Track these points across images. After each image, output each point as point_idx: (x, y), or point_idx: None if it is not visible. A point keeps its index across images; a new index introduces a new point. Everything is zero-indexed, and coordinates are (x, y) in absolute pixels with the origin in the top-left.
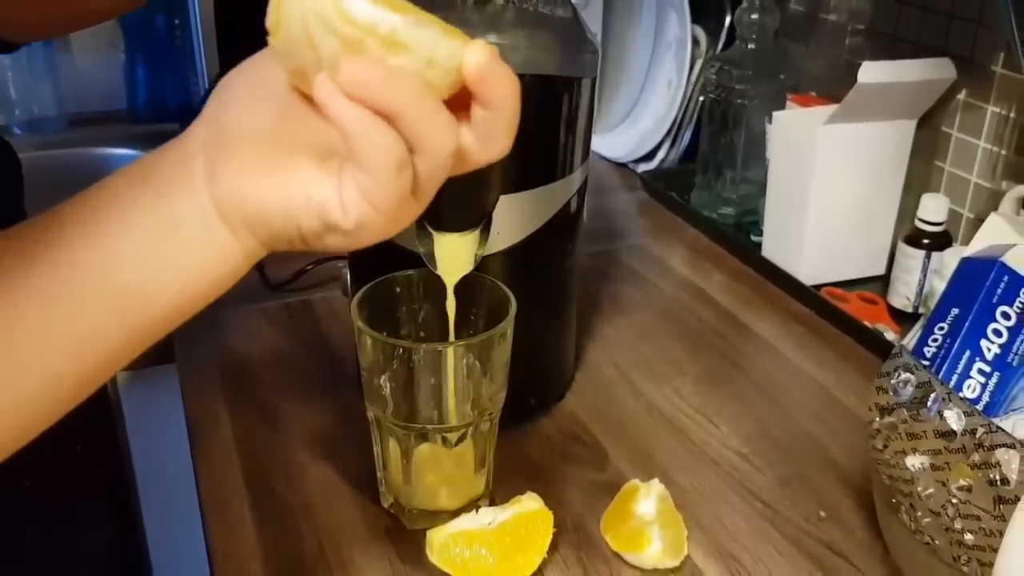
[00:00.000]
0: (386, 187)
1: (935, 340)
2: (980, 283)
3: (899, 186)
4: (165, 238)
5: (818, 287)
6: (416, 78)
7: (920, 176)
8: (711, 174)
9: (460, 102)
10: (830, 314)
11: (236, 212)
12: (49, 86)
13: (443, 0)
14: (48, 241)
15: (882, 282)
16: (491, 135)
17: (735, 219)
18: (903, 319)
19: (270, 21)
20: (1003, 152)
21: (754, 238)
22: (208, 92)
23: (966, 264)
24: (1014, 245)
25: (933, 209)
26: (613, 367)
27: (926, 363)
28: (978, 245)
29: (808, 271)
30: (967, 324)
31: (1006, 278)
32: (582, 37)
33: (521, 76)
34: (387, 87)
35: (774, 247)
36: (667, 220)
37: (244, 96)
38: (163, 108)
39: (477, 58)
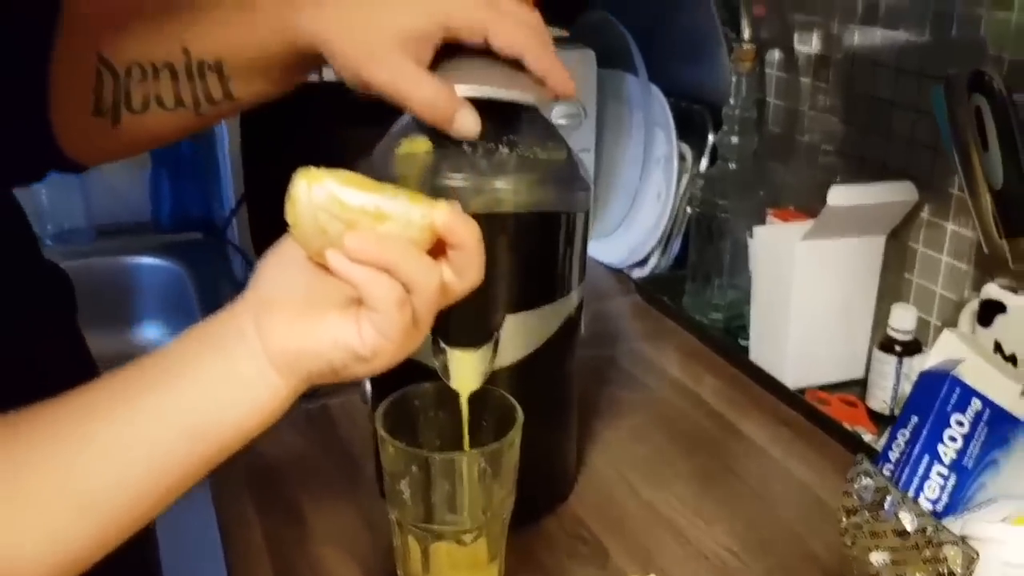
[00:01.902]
0: (393, 321)
1: (898, 445)
2: (935, 394)
3: (873, 296)
4: (226, 385)
5: (802, 390)
6: (400, 238)
7: (892, 287)
8: (700, 281)
9: (438, 249)
10: (814, 416)
11: (282, 358)
12: (79, 199)
13: (455, 150)
14: (128, 392)
15: (861, 385)
16: (464, 269)
17: (724, 323)
18: (881, 420)
19: (289, 219)
20: (963, 266)
21: (742, 342)
22: (235, 209)
23: (923, 377)
24: (963, 360)
25: (902, 318)
26: (613, 469)
27: (891, 466)
28: (935, 359)
29: (792, 375)
30: (925, 431)
31: (958, 390)
32: (576, 177)
33: (523, 214)
34: (380, 249)
35: (760, 352)
36: (661, 324)
37: (278, 272)
38: (186, 219)
39: (442, 216)
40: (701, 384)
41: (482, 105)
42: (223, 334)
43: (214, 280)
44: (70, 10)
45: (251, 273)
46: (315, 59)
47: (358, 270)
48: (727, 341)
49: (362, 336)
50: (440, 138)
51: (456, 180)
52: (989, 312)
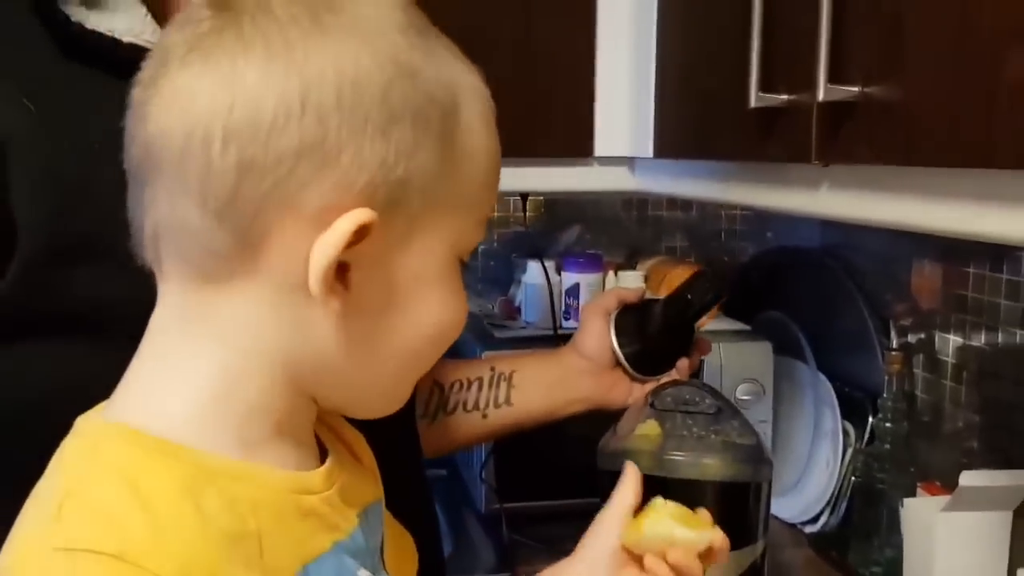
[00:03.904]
0: None
1: None
2: None
3: (1004, 561)
4: None
5: None
6: (695, 558)
7: (1020, 553)
8: (863, 540)
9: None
10: None
11: None
12: None
13: (678, 435)
14: None
15: None
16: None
17: None
18: None
19: (629, 538)
20: None
21: None
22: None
23: None
24: None
25: None
26: None
27: None
28: None
29: None
30: None
31: None
32: (762, 456)
33: (726, 482)
34: (687, 564)
35: None
36: (829, 573)
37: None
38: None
39: (720, 542)
40: None
41: None
42: None
43: (456, 507)
44: None
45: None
46: None
47: (663, 567)
48: None
49: None
50: (667, 424)
51: (678, 456)
52: None
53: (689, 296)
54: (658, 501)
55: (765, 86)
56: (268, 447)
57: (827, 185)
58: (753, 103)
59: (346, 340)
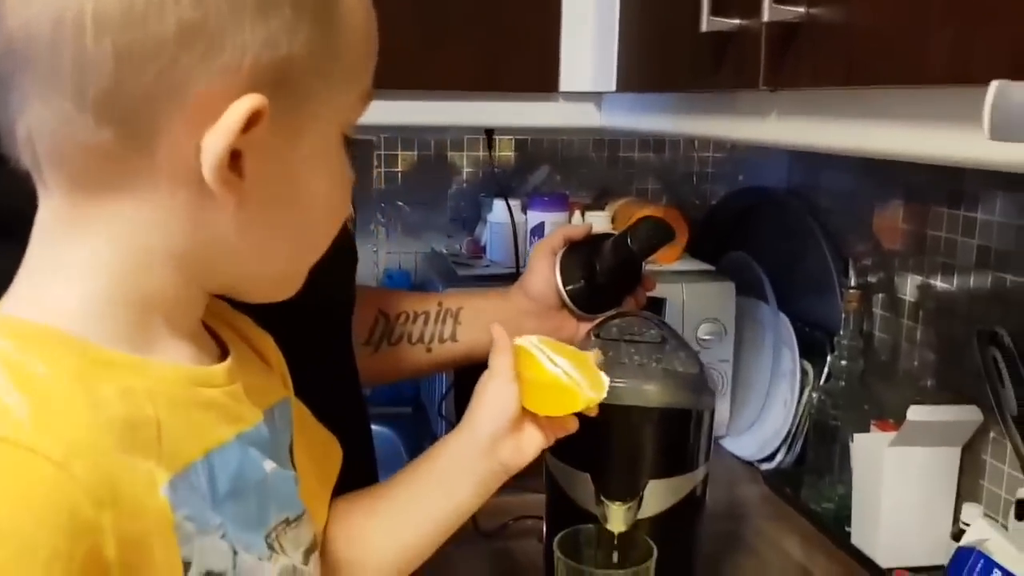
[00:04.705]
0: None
1: None
2: (964, 563)
3: (952, 496)
4: (480, 484)
5: (891, 570)
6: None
7: (968, 488)
8: (816, 476)
9: None
10: None
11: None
12: None
13: (615, 357)
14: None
15: (943, 571)
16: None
17: (834, 512)
18: None
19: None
20: (1020, 475)
21: (847, 528)
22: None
23: (958, 551)
24: (989, 539)
25: (970, 515)
26: None
27: None
28: (967, 539)
29: (884, 557)
30: None
31: (982, 561)
32: (704, 385)
33: (665, 408)
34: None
35: (859, 537)
36: (782, 509)
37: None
38: (401, 397)
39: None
40: (812, 559)
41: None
42: (466, 450)
43: (420, 443)
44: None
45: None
46: None
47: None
48: (835, 526)
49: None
50: (610, 353)
51: (619, 383)
52: (1021, 510)
53: (629, 242)
54: (528, 343)
55: (716, 10)
56: (164, 345)
57: (776, 112)
58: (704, 27)
59: (242, 228)
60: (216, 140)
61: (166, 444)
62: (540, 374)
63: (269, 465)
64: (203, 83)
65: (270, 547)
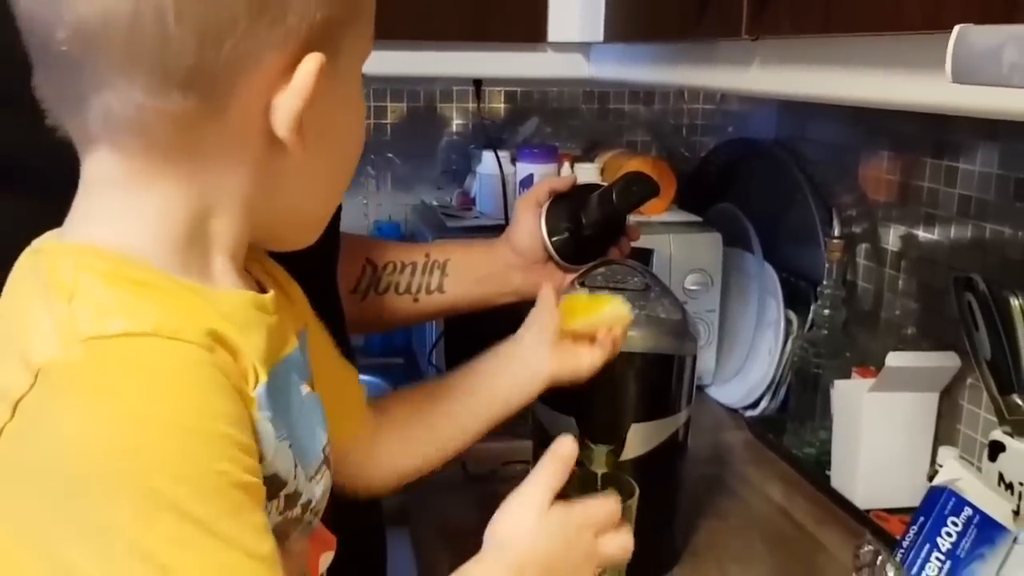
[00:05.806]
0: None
1: (910, 536)
2: (936, 501)
3: (930, 440)
4: (516, 387)
5: (869, 511)
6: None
7: (946, 433)
8: (798, 422)
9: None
10: (877, 531)
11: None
12: None
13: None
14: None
15: None
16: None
17: (815, 457)
18: None
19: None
20: (993, 419)
21: (827, 472)
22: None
23: (931, 489)
24: (961, 479)
25: (945, 458)
26: (711, 554)
27: (902, 551)
28: (940, 479)
29: (862, 499)
30: (928, 527)
31: (953, 499)
32: (686, 331)
33: (647, 353)
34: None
35: (839, 480)
36: (765, 454)
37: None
38: (391, 348)
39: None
40: (792, 502)
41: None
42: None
43: None
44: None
45: None
46: None
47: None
48: (815, 470)
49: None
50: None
51: None
52: (994, 451)
53: (614, 197)
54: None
55: None
56: (224, 279)
57: (758, 61)
58: None
59: (299, 172)
60: (290, 100)
61: (246, 356)
62: (574, 299)
63: (305, 388)
64: (272, 49)
65: (326, 460)
